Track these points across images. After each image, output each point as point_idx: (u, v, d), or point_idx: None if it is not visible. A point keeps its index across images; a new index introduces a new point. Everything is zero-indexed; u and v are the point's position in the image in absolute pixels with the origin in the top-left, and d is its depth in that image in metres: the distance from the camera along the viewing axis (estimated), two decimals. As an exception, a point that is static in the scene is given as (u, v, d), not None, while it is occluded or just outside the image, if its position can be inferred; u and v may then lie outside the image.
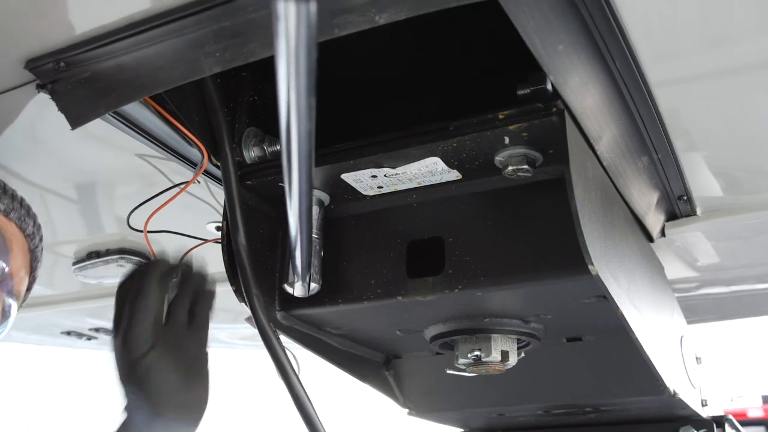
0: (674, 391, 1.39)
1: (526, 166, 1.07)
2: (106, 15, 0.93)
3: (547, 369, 1.58)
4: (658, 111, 1.14)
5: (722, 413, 1.77)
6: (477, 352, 1.29)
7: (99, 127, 1.19)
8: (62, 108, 1.04)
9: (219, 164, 1.20)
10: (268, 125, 1.28)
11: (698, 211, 1.55)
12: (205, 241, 1.52)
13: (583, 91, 1.02)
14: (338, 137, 1.17)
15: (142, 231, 1.30)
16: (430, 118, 1.10)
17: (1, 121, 1.21)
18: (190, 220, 1.61)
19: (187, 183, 1.28)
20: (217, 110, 1.18)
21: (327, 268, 1.25)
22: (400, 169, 1.14)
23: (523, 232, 1.15)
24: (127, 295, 1.16)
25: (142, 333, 1.12)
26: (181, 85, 0.99)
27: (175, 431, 1.15)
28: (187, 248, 1.42)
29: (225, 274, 1.22)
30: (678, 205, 1.51)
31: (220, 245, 1.23)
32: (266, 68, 1.27)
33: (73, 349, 3.13)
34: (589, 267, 1.01)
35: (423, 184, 1.19)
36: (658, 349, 1.31)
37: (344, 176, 1.17)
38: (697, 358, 1.71)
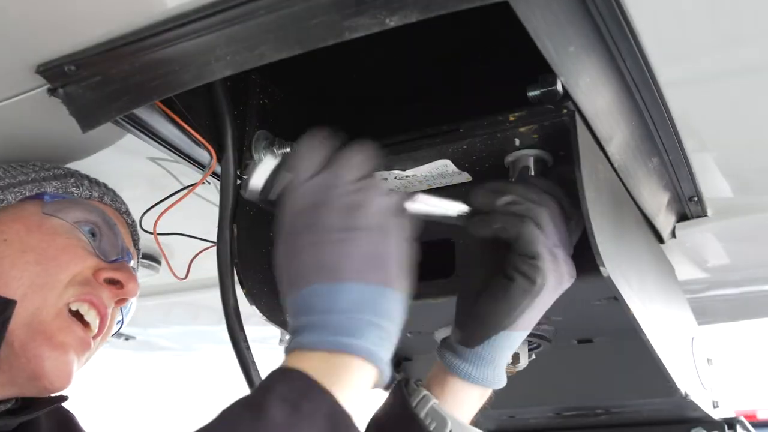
0: (685, 392, 1.38)
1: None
2: (117, 20, 0.93)
3: (557, 371, 1.58)
4: (669, 112, 1.13)
5: (733, 415, 1.76)
6: (488, 354, 1.28)
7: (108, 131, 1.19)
8: (73, 112, 1.04)
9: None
10: (278, 128, 1.28)
11: (709, 212, 1.54)
12: (215, 243, 1.52)
13: (593, 93, 1.01)
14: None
15: (152, 233, 1.30)
16: (440, 120, 1.10)
17: (12, 126, 1.21)
18: (201, 222, 1.61)
19: (194, 185, 1.28)
20: (224, 113, 1.18)
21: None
22: (410, 172, 1.14)
23: (534, 234, 1.15)
24: None
25: None
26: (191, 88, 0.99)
27: None
28: (197, 250, 1.42)
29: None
30: (689, 206, 1.50)
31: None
32: (275, 71, 1.27)
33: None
34: (601, 268, 1.00)
35: (434, 187, 1.19)
36: (669, 350, 1.30)
37: (354, 178, 1.16)
38: (708, 360, 1.70)
